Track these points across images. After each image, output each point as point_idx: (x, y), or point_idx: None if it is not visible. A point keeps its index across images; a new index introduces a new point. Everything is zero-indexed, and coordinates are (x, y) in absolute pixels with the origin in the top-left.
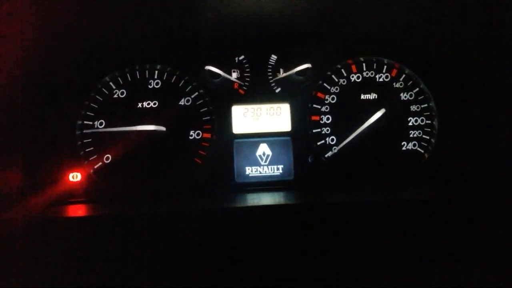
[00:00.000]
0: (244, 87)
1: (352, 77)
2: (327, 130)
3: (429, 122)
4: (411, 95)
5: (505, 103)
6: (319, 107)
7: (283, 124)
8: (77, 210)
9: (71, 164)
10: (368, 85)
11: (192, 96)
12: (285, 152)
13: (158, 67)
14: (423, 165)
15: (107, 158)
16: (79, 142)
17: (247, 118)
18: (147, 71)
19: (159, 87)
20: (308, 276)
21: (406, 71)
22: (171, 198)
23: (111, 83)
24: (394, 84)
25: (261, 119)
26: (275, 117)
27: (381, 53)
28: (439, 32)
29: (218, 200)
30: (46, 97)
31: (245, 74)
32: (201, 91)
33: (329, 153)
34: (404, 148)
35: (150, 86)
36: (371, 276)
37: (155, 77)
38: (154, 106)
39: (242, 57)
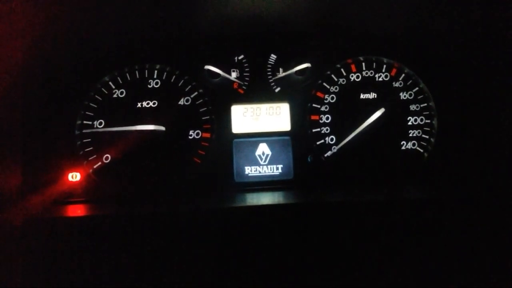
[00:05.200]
0: (243, 87)
1: (352, 76)
2: (327, 129)
3: (429, 121)
4: (410, 95)
5: (504, 103)
6: (319, 106)
7: (282, 124)
8: (76, 210)
9: (71, 164)
10: (368, 84)
11: (192, 96)
12: (285, 152)
13: (158, 66)
14: (423, 165)
15: (107, 158)
16: (79, 142)
17: (246, 118)
18: (146, 71)
19: (159, 86)
20: (308, 276)
21: (406, 71)
22: (170, 198)
23: (110, 83)
24: (394, 83)
25: (260, 118)
26: (274, 116)
27: (381, 53)
28: (439, 32)
29: (217, 200)
30: (45, 97)
31: (245, 74)
32: (200, 90)
33: (329, 153)
34: (403, 148)
35: (149, 86)
36: (371, 275)
37: (155, 76)
38: (153, 106)
39: (242, 56)
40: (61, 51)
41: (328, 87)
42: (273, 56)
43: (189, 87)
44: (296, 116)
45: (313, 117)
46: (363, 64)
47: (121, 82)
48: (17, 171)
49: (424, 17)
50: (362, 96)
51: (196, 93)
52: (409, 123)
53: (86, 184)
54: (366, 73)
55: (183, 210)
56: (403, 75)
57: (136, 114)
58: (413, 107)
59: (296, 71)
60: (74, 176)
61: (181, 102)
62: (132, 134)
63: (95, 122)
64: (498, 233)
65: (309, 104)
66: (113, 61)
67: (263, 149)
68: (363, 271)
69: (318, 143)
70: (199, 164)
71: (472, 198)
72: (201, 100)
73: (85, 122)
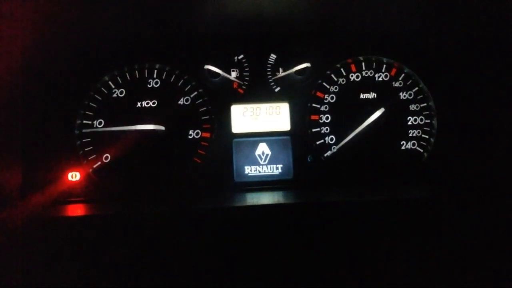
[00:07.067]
0: (243, 86)
1: (352, 76)
2: (327, 129)
3: (428, 121)
4: (410, 94)
5: (504, 102)
6: (319, 106)
7: (282, 124)
8: (76, 210)
9: (70, 164)
10: (368, 84)
11: (191, 96)
12: (284, 152)
13: (157, 66)
14: (422, 165)
15: (106, 157)
16: (78, 142)
17: (246, 118)
18: (146, 71)
19: (158, 86)
20: (307, 276)
21: (405, 70)
22: (170, 197)
23: (110, 83)
24: (394, 83)
25: (260, 118)
26: (274, 116)
27: (381, 52)
28: (438, 31)
29: (217, 200)
30: (45, 96)
31: (245, 73)
32: (200, 90)
33: (329, 153)
34: (403, 148)
35: (149, 86)
36: (370, 275)
37: (154, 76)
38: (153, 105)
39: (242, 56)
40: (61, 50)
41: (328, 87)
42: (273, 56)
43: (189, 86)
44: (296, 116)
45: (313, 117)
46: (363, 64)
47: (120, 81)
48: (17, 171)
49: (424, 16)
50: (362, 96)
51: (195, 92)
52: (409, 123)
53: (86, 183)
54: (366, 73)
55: (182, 210)
56: (403, 75)
57: (135, 114)
58: (413, 107)
59: (296, 71)
60: (74, 176)
61: (181, 101)
62: (131, 134)
63: (94, 122)
64: (498, 233)
65: (309, 104)
66: (112, 60)
67: (263, 148)
68: (362, 271)
69: (318, 142)
70: (198, 164)
71: (472, 198)
72: (200, 100)
73: (84, 121)
